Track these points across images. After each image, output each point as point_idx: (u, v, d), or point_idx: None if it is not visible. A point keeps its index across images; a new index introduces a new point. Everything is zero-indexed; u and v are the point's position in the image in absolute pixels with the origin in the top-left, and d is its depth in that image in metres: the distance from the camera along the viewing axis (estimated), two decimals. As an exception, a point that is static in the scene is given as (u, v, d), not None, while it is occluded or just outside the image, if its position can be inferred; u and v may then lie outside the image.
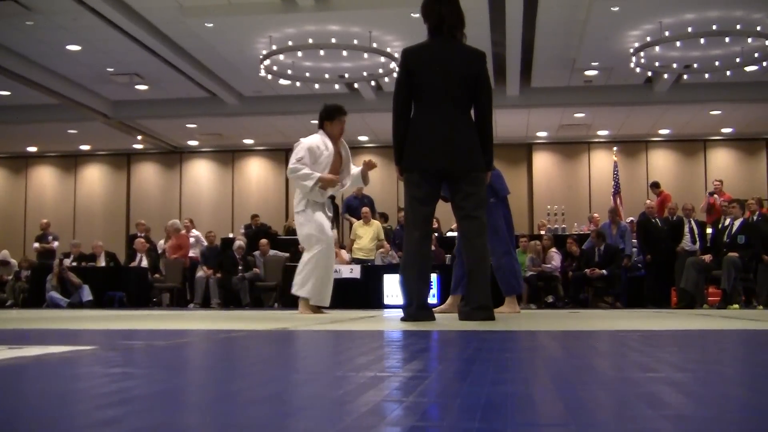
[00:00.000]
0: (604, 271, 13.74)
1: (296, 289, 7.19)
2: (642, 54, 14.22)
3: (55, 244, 17.53)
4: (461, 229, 5.12)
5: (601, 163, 20.89)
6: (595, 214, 17.21)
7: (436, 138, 4.95)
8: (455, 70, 5.00)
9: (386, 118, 18.32)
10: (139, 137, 20.64)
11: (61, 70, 15.85)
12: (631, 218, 16.23)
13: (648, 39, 13.74)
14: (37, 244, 17.60)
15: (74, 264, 16.03)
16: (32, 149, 22.39)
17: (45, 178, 22.97)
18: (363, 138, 20.64)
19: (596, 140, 21.12)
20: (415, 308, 4.88)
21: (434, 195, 5.08)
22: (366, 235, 14.56)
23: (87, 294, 14.92)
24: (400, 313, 5.36)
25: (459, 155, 4.95)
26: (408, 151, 4.98)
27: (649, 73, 16.00)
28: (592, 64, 15.53)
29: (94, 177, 22.83)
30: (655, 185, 16.75)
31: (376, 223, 14.86)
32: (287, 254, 15.31)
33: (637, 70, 15.03)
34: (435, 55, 5.04)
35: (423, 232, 4.99)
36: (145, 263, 16.18)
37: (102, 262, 16.52)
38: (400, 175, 5.11)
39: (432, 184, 5.01)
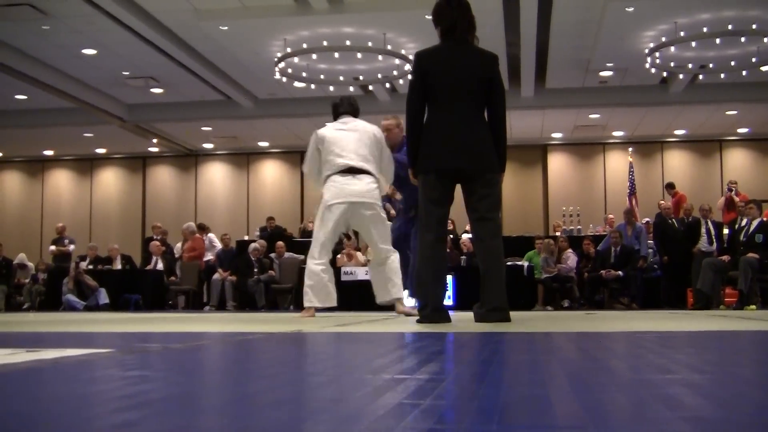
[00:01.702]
0: (619, 273, 13.69)
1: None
2: (657, 54, 14.17)
3: (72, 247, 17.60)
4: (475, 231, 5.10)
5: (617, 164, 20.83)
6: (610, 215, 17.16)
7: (451, 139, 4.96)
8: (469, 72, 5.02)
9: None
10: (155, 140, 20.72)
11: (77, 73, 15.94)
12: (647, 219, 16.17)
13: (663, 39, 13.69)
14: (53, 247, 17.68)
15: (90, 267, 16.11)
16: (49, 153, 22.52)
17: (61, 181, 23.10)
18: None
19: (611, 141, 21.07)
20: (431, 310, 4.88)
21: (448, 197, 5.07)
22: (381, 237, 14.52)
23: (104, 297, 14.99)
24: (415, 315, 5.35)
25: (474, 156, 4.96)
26: (423, 152, 5.00)
27: (665, 74, 15.95)
28: (607, 64, 15.50)
29: (109, 180, 22.94)
30: (670, 186, 16.68)
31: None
32: (302, 256, 15.31)
33: (652, 70, 14.97)
34: (448, 58, 5.06)
35: (437, 234, 4.99)
36: (160, 266, 16.23)
37: (118, 265, 16.60)
38: (414, 177, 5.12)
39: (446, 185, 5.02)
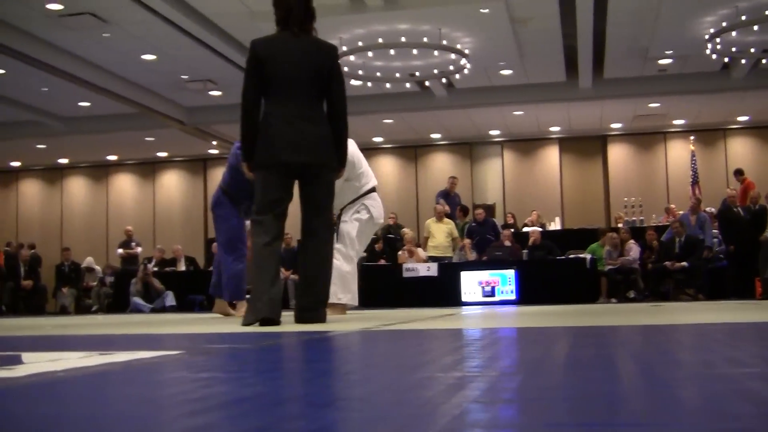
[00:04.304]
0: (685, 263, 13.48)
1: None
2: (718, 40, 13.89)
3: (139, 249, 17.90)
4: (305, 229, 4.90)
5: (678, 153, 20.49)
6: (672, 205, 16.91)
7: (288, 133, 4.71)
8: (305, 62, 4.82)
9: (458, 115, 18.19)
10: (215, 142, 20.94)
11: (138, 79, 16.18)
12: (710, 208, 15.89)
13: (723, 24, 13.42)
14: (121, 250, 17.98)
15: (156, 269, 16.35)
16: (112, 158, 22.91)
17: (125, 185, 23.48)
18: (435, 135, 20.63)
19: (672, 130, 20.72)
20: (258, 311, 4.55)
21: (287, 193, 4.83)
22: (440, 232, 14.54)
23: (171, 300, 15.21)
24: (474, 309, 5.32)
25: (311, 152, 4.73)
26: (260, 147, 4.74)
27: (726, 59, 15.64)
28: (666, 52, 15.24)
29: (171, 183, 23.25)
30: (738, 172, 16.34)
31: (448, 221, 14.82)
32: (364, 253, 15.35)
33: (713, 56, 14.69)
34: (284, 47, 4.85)
35: (273, 235, 4.73)
36: (224, 266, 16.39)
37: (182, 266, 16.82)
38: (250, 172, 4.85)
39: (284, 181, 4.78)
